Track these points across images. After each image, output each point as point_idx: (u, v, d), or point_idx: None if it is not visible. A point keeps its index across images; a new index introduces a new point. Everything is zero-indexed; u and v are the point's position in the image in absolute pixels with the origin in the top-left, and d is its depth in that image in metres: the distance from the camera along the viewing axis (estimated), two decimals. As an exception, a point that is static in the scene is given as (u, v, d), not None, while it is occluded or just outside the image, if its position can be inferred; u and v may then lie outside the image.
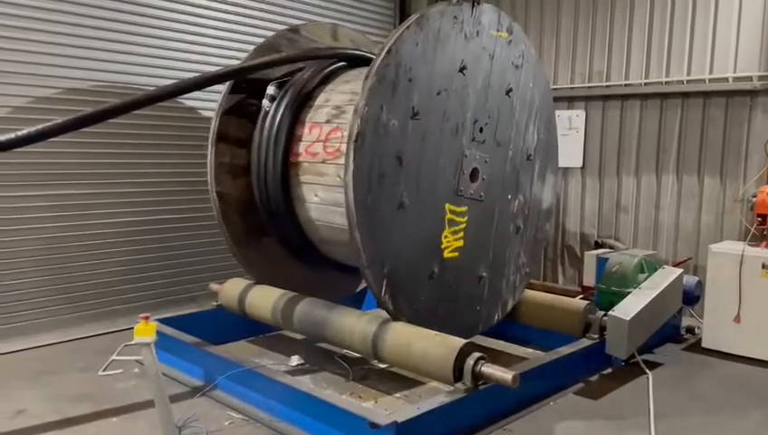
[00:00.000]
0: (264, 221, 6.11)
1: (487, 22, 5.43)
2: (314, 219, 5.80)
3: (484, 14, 5.39)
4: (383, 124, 4.67)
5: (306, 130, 5.79)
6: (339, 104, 5.68)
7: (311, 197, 5.73)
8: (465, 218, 5.28)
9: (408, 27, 4.81)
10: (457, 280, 5.28)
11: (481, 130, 5.43)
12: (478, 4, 5.34)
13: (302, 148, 5.78)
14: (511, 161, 5.71)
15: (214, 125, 6.01)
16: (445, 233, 5.13)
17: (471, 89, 5.32)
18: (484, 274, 5.52)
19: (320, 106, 5.83)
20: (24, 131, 4.61)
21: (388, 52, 4.69)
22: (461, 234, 5.25)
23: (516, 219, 5.81)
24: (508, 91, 5.64)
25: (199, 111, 7.62)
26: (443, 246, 5.12)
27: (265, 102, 6.02)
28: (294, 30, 6.56)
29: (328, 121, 5.66)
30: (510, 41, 5.64)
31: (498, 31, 5.52)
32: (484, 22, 5.40)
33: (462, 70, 5.22)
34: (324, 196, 5.61)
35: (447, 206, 5.16)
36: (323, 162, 5.57)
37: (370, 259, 4.66)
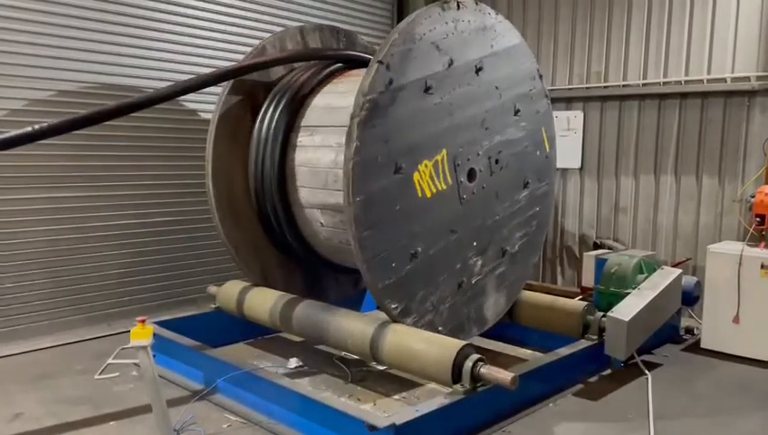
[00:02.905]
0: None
1: (544, 109, 6.05)
2: (316, 105, 5.97)
3: (543, 106, 6.06)
4: (456, 28, 5.20)
5: (355, 72, 6.20)
6: None
7: (323, 102, 5.95)
8: (445, 186, 5.18)
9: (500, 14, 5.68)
10: (402, 218, 4.89)
11: (497, 161, 5.59)
12: (541, 77, 6.06)
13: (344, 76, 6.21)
14: (493, 223, 5.60)
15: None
16: (427, 162, 5.03)
17: (510, 129, 5.71)
18: (419, 250, 5.00)
19: None
20: (15, 132, 4.59)
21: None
22: (434, 189, 5.10)
23: (464, 272, 5.39)
24: (525, 184, 5.86)
25: (197, 112, 7.61)
26: (420, 167, 4.97)
27: None
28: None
29: None
30: (547, 156, 6.13)
31: (545, 133, 6.06)
32: (540, 105, 6.02)
33: (516, 112, 5.73)
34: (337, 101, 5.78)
35: (445, 152, 5.15)
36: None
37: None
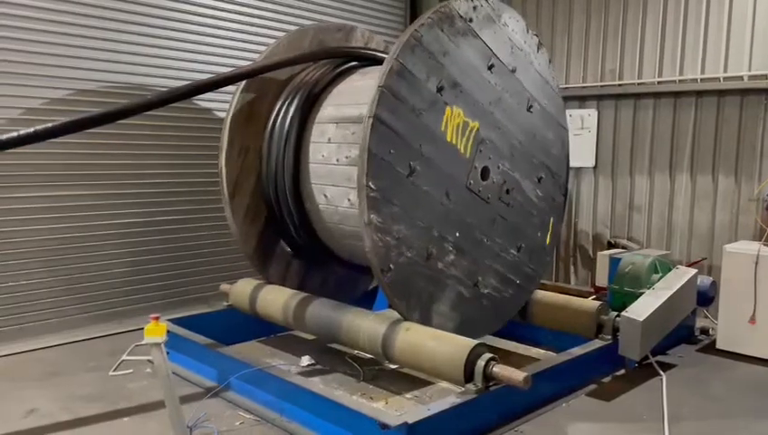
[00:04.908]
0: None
1: (558, 201, 6.30)
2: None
3: (560, 199, 6.34)
4: (528, 55, 5.75)
5: None
6: None
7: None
8: (463, 151, 5.24)
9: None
10: (420, 126, 4.94)
11: (508, 192, 5.65)
12: (568, 173, 6.39)
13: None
14: (480, 240, 5.46)
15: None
16: (461, 112, 5.19)
17: (528, 184, 5.83)
18: (417, 169, 4.96)
19: None
20: (28, 130, 4.61)
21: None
22: (454, 141, 5.17)
23: (437, 246, 5.16)
24: (519, 247, 5.85)
25: (208, 110, 7.64)
26: (454, 108, 5.14)
27: None
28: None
29: None
30: (545, 246, 6.18)
31: (552, 225, 6.21)
32: (557, 195, 6.28)
33: (539, 178, 5.97)
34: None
35: (477, 125, 5.33)
36: None
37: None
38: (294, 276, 6.44)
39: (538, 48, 5.89)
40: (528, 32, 5.79)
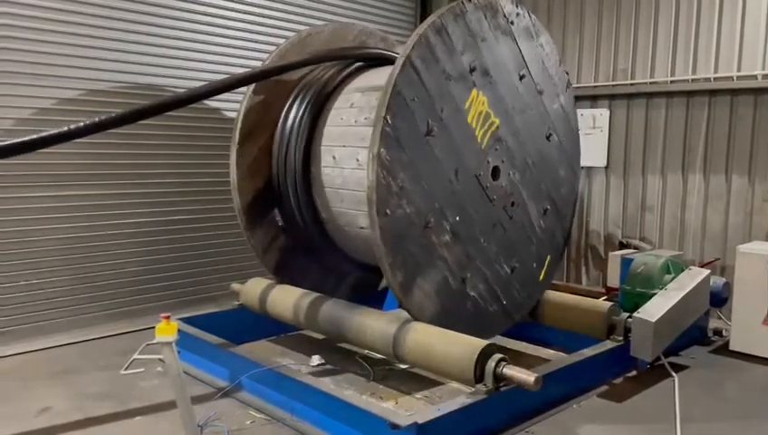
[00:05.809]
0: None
1: (558, 241, 6.22)
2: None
3: (560, 239, 6.23)
4: (557, 85, 5.91)
5: None
6: None
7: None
8: (480, 139, 5.27)
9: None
10: (447, 93, 4.99)
11: (513, 204, 5.63)
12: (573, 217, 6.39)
13: None
14: (476, 237, 5.34)
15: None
16: (486, 101, 5.27)
17: (534, 210, 5.81)
18: (434, 130, 4.96)
19: None
20: (44, 134, 4.62)
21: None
22: (474, 125, 5.21)
23: (435, 220, 5.03)
24: (512, 268, 5.72)
25: (217, 110, 7.65)
26: (481, 93, 5.23)
27: None
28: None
29: None
30: (539, 280, 6.07)
31: (548, 262, 6.12)
32: (558, 232, 6.21)
33: (545, 210, 5.94)
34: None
35: (498, 122, 5.40)
36: None
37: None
38: (276, 252, 6.28)
39: (567, 86, 6.02)
40: (560, 66, 5.96)
